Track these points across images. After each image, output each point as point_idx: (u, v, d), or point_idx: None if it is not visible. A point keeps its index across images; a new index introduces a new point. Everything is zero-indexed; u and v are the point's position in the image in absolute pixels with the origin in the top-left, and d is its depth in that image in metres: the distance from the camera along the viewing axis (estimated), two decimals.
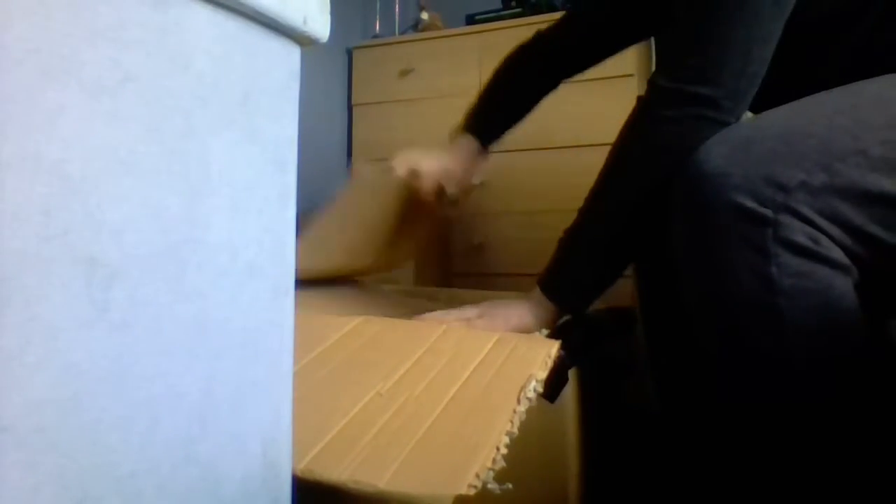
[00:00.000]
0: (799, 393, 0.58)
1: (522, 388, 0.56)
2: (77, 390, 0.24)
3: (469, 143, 1.02)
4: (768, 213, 0.57)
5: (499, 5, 1.98)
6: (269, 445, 0.34)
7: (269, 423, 0.34)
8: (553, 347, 0.63)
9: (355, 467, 0.45)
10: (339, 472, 0.44)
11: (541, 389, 0.56)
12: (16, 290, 0.22)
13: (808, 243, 0.57)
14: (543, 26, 1.08)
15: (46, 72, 0.22)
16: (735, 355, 0.61)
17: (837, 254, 0.58)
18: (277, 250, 0.34)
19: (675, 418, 0.85)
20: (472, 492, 0.42)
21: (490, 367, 0.61)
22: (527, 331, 0.73)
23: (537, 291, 0.76)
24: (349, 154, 2.11)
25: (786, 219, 0.57)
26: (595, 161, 0.76)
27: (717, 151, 0.61)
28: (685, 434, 0.83)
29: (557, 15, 1.85)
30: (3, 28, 0.21)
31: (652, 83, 0.71)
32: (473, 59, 1.90)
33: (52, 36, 0.23)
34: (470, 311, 0.76)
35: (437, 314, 0.77)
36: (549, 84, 1.07)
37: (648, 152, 0.70)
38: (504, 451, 0.47)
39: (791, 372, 0.58)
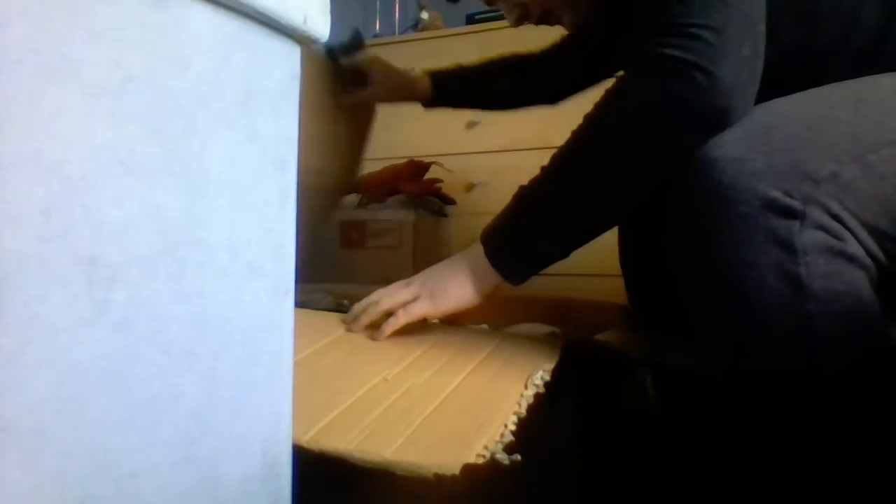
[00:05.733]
0: (825, 404, 0.52)
1: (529, 375, 0.56)
2: (77, 390, 0.24)
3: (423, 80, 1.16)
4: (796, 204, 0.50)
5: None
6: (269, 445, 0.34)
7: (269, 423, 0.34)
8: (559, 344, 0.63)
9: (362, 439, 0.45)
10: (345, 442, 0.44)
11: (548, 378, 0.56)
12: (16, 290, 0.22)
13: (835, 242, 0.50)
14: (543, 27, 1.07)
15: (46, 72, 0.22)
16: (756, 370, 0.53)
17: (861, 253, 0.52)
18: (277, 250, 0.34)
19: (674, 417, 0.84)
20: (481, 461, 0.42)
21: (496, 359, 0.61)
22: (470, 306, 0.67)
23: (481, 258, 0.66)
24: None
25: (814, 212, 0.50)
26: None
27: (731, 136, 0.53)
28: (686, 435, 0.82)
29: None
30: (3, 28, 0.21)
31: None
32: (473, 59, 1.90)
33: (52, 36, 0.23)
34: (403, 293, 0.69)
35: (363, 304, 0.70)
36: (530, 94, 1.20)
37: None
38: (512, 427, 0.47)
39: (819, 385, 0.51)
